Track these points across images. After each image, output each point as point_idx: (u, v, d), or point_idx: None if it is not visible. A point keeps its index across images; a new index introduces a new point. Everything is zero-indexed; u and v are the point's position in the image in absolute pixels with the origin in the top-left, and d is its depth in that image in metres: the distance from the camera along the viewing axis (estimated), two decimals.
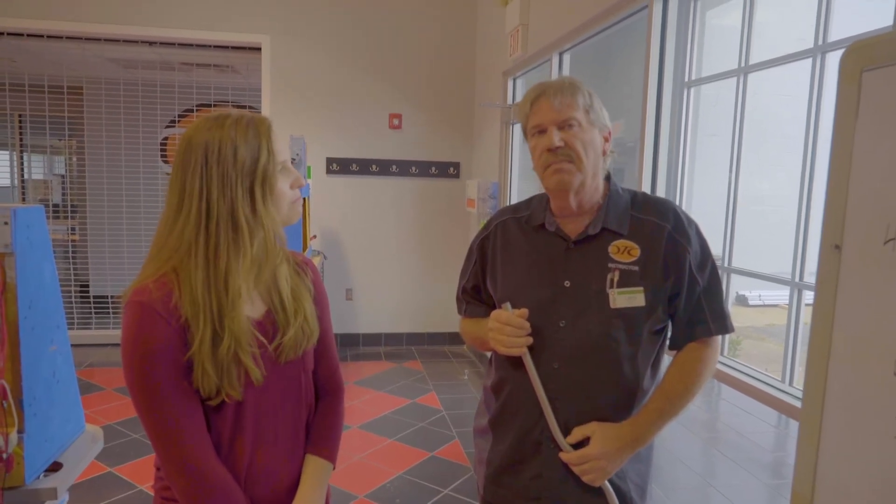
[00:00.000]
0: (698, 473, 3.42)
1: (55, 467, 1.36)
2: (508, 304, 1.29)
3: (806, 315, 2.12)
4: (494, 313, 1.31)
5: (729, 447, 3.71)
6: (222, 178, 1.07)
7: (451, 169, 5.68)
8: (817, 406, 1.00)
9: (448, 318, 5.64)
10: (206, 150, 1.07)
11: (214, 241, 1.07)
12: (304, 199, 4.13)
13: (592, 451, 1.24)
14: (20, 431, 1.20)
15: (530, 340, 1.27)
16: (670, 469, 3.33)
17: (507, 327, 1.26)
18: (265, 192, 1.10)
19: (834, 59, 2.02)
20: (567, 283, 1.29)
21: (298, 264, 1.27)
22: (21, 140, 6.98)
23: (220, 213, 1.07)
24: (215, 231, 1.07)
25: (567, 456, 1.26)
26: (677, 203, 2.78)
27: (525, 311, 1.27)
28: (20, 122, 6.77)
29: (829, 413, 0.98)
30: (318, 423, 1.28)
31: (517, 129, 4.71)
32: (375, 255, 5.66)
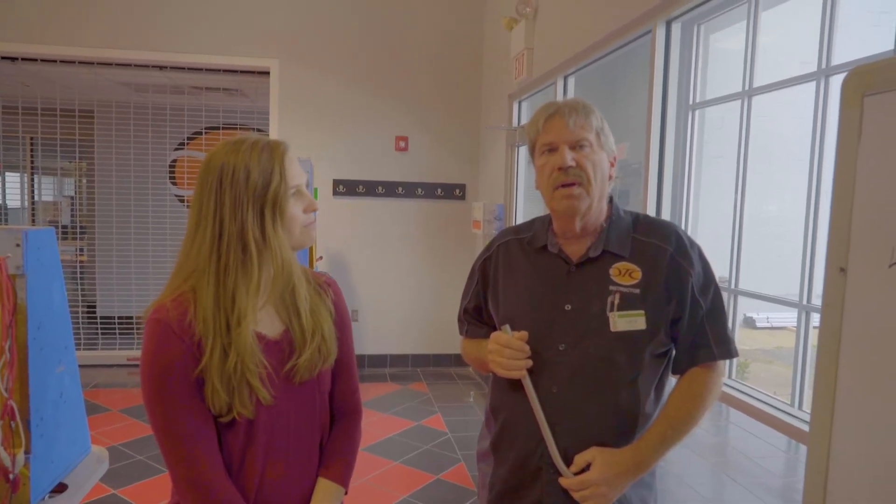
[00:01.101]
0: (707, 498, 3.37)
1: (60, 488, 1.35)
2: (508, 327, 1.28)
3: (814, 338, 2.10)
4: (494, 335, 1.30)
5: (738, 472, 3.66)
6: (234, 200, 1.10)
7: (457, 191, 5.71)
8: (825, 430, 0.99)
9: (453, 339, 5.60)
10: (222, 172, 1.11)
11: (224, 261, 1.10)
12: None
13: (592, 476, 1.22)
14: (27, 452, 1.20)
15: (530, 363, 1.26)
16: (679, 493, 3.28)
17: (507, 349, 1.26)
18: (275, 215, 1.12)
19: (838, 83, 2.03)
20: (568, 307, 1.28)
21: (320, 285, 1.28)
22: (32, 162, 7.07)
23: (231, 235, 1.10)
24: (226, 251, 1.10)
25: (567, 481, 1.24)
26: (682, 225, 2.78)
27: (525, 333, 1.26)
28: (32, 144, 6.86)
29: (838, 437, 0.97)
30: (332, 446, 1.28)
31: (523, 151, 4.74)
32: (381, 277, 5.66)
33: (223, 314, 1.09)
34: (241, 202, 1.09)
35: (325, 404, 1.27)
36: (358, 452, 1.33)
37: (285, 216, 1.13)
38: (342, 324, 1.29)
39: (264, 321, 1.17)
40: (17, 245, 1.25)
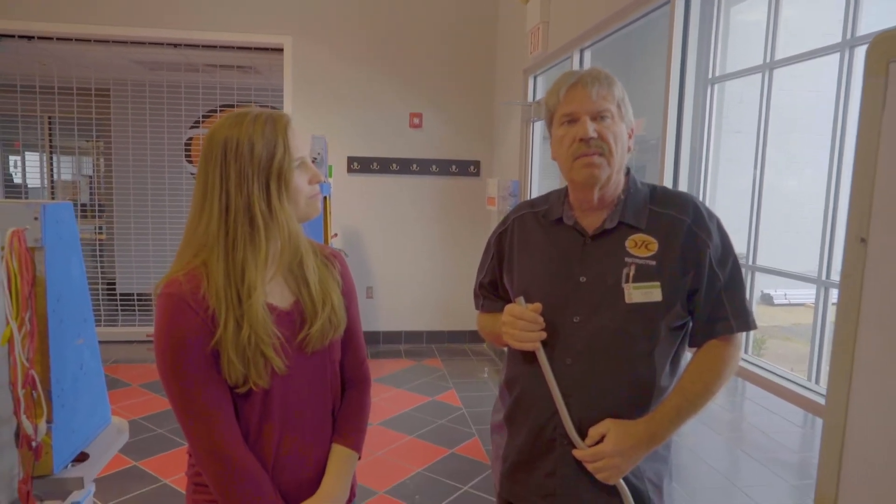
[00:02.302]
0: (722, 473, 3.37)
1: (82, 458, 1.38)
2: (522, 299, 1.28)
3: (833, 314, 2.08)
4: (508, 307, 1.30)
5: (754, 447, 3.66)
6: (239, 173, 1.10)
7: (472, 167, 5.68)
8: (841, 403, 0.98)
9: (468, 316, 5.64)
10: (226, 146, 1.11)
11: (233, 234, 1.11)
12: (326, 197, 4.16)
13: (606, 448, 1.22)
14: (49, 421, 1.23)
15: (543, 335, 1.26)
16: (694, 468, 3.30)
17: (520, 321, 1.26)
18: (281, 188, 1.13)
19: (862, 54, 1.98)
20: (583, 279, 1.27)
21: (326, 257, 1.29)
22: (50, 141, 7.14)
23: (238, 208, 1.11)
24: (233, 225, 1.11)
25: (581, 453, 1.24)
26: (700, 200, 2.75)
27: (538, 305, 1.26)
28: (49, 123, 6.92)
29: (854, 411, 0.96)
30: (344, 413, 1.30)
31: (538, 127, 4.69)
32: (396, 254, 5.68)
33: (234, 287, 1.10)
34: (247, 175, 1.10)
35: (337, 373, 1.29)
36: (368, 419, 1.36)
37: (290, 188, 1.14)
38: (349, 294, 1.30)
39: (274, 293, 1.18)
40: (36, 218, 1.27)
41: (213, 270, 1.11)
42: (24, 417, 1.14)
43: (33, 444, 1.15)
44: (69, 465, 1.35)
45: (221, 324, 1.08)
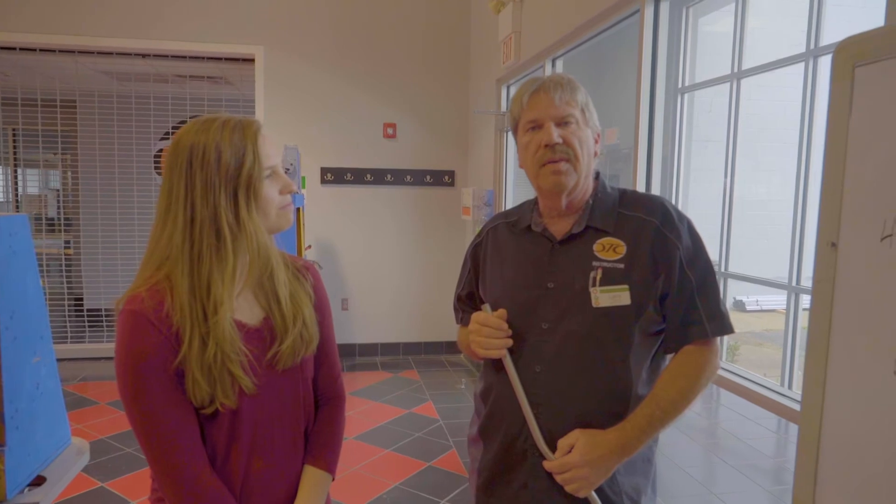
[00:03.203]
0: (699, 481, 3.38)
1: (39, 481, 1.32)
2: (488, 306, 1.26)
3: (804, 319, 2.10)
4: (474, 315, 1.27)
5: (729, 453, 3.68)
6: (205, 183, 1.05)
7: (446, 177, 5.67)
8: (816, 408, 0.98)
9: (444, 327, 5.61)
10: (191, 153, 1.05)
11: (198, 248, 1.05)
12: (299, 209, 4.12)
13: (573, 458, 1.18)
14: (1, 445, 1.17)
15: (509, 342, 1.23)
16: (670, 476, 3.30)
17: (485, 328, 1.23)
18: (249, 198, 1.07)
19: (826, 64, 2.02)
20: (551, 285, 1.25)
21: (299, 269, 1.24)
22: (14, 155, 6.96)
23: (204, 219, 1.05)
24: (199, 238, 1.05)
25: (549, 464, 1.21)
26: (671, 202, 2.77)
27: (503, 311, 1.24)
28: (14, 136, 6.75)
29: (829, 415, 0.96)
30: (317, 433, 1.25)
31: (511, 135, 4.70)
32: (371, 265, 5.63)
33: (199, 303, 1.05)
34: (213, 185, 1.04)
35: (309, 391, 1.24)
36: (343, 438, 1.31)
37: (260, 199, 1.08)
38: (322, 308, 1.25)
39: (243, 308, 1.13)
40: None
41: (177, 285, 1.05)
42: None
43: None
44: (25, 490, 1.29)
45: (186, 341, 1.03)
